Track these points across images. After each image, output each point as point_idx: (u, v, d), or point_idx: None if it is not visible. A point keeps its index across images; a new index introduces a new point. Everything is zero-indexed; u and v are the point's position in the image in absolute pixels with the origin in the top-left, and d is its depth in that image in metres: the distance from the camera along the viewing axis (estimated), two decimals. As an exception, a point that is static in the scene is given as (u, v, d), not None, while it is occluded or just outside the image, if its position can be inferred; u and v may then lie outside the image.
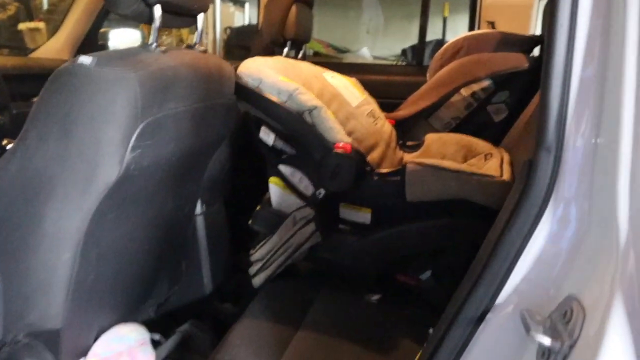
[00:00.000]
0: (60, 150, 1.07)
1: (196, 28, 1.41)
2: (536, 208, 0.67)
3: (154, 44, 1.22)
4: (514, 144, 1.93)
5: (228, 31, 4.54)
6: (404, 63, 4.09)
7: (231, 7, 4.95)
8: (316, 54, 3.85)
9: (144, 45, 1.23)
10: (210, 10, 4.49)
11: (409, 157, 1.97)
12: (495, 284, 0.70)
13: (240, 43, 4.10)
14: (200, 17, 1.38)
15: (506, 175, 1.56)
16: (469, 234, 1.60)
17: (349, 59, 3.94)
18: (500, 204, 1.54)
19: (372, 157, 1.82)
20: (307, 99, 1.58)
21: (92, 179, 1.10)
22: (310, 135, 1.57)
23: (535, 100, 1.93)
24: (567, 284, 0.65)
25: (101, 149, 1.08)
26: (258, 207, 1.76)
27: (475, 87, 2.09)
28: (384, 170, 1.63)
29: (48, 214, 1.11)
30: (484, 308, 0.71)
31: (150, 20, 1.19)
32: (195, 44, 1.43)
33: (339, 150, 1.54)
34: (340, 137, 1.58)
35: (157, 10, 1.17)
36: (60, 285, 1.17)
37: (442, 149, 1.93)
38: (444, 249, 1.66)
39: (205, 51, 1.42)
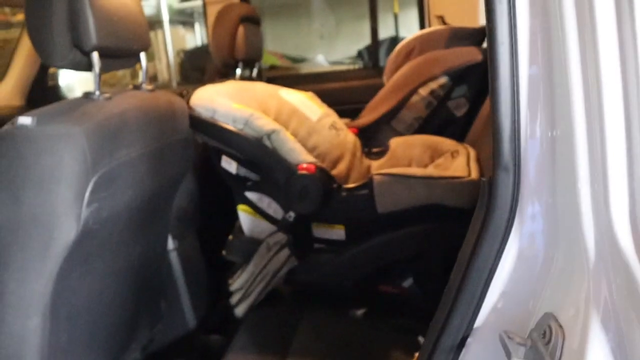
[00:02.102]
0: (12, 218, 1.03)
1: (140, 67, 1.37)
2: (502, 228, 0.65)
3: (97, 92, 1.18)
4: (478, 138, 1.92)
5: (181, 54, 4.48)
6: (360, 65, 4.09)
7: (181, 30, 4.89)
8: (272, 67, 3.82)
9: (87, 94, 1.19)
10: (160, 35, 4.43)
11: (376, 165, 1.96)
12: (471, 308, 0.68)
13: (195, 65, 4.05)
14: (143, 56, 1.34)
15: (474, 174, 1.56)
16: (444, 237, 1.59)
17: (305, 68, 3.92)
18: (472, 204, 1.54)
19: (339, 169, 1.81)
20: (264, 123, 1.56)
21: (50, 242, 1.05)
22: (272, 159, 1.54)
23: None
24: (543, 301, 0.64)
25: (55, 211, 1.04)
26: (230, 237, 1.73)
27: (433, 85, 2.08)
28: (351, 185, 1.61)
29: (8, 284, 1.06)
30: (462, 334, 0.69)
31: (89, 67, 1.15)
32: (141, 83, 1.39)
33: (303, 172, 1.51)
34: (302, 158, 1.55)
35: (95, 57, 1.13)
36: (32, 353, 1.12)
37: (408, 152, 1.92)
38: (423, 255, 1.64)
39: (153, 90, 1.39)
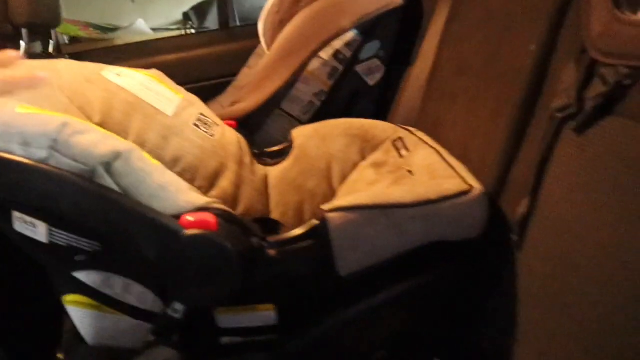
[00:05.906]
0: None
1: None
2: None
3: None
4: (418, 114, 1.34)
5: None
6: (192, 30, 3.31)
7: None
8: (73, 39, 2.83)
9: None
10: None
11: (276, 173, 1.27)
12: None
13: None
14: None
15: (470, 179, 0.96)
16: (441, 292, 0.99)
17: (121, 38, 2.99)
18: (480, 230, 0.94)
19: (222, 187, 1.12)
20: (95, 139, 0.77)
21: None
22: (124, 215, 0.76)
23: (426, 51, 1.34)
24: None
25: None
26: (63, 340, 0.94)
27: (338, 44, 1.43)
28: (284, 236, 0.89)
29: None
30: None
31: None
32: None
33: (194, 231, 0.76)
34: (186, 198, 0.81)
35: None
36: None
37: (324, 147, 1.26)
38: (407, 330, 1.01)
39: None
